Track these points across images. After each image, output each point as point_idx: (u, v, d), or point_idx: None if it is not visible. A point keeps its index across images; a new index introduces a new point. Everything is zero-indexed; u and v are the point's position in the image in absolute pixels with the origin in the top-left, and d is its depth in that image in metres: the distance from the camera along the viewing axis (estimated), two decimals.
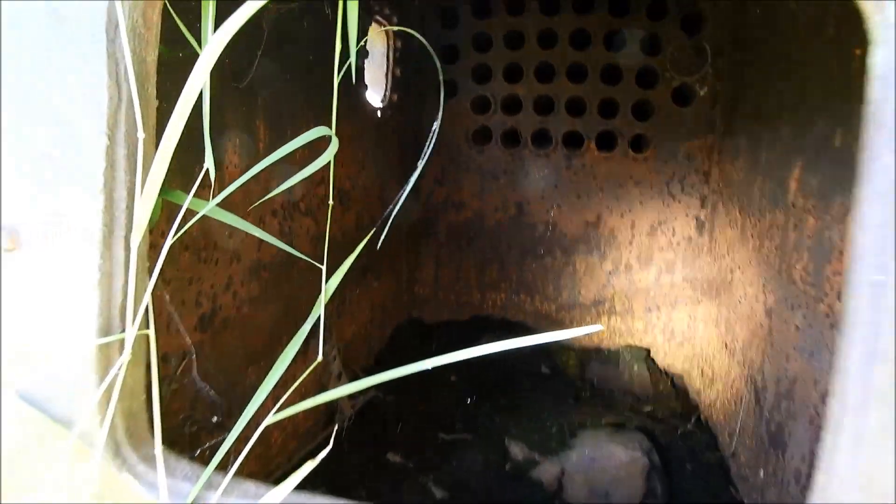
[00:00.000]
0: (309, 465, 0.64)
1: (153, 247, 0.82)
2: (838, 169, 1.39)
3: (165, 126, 0.65)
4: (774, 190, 1.85)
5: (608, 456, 1.88)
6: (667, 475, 1.96)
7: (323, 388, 1.99)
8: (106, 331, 0.67)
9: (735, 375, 2.21)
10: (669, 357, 2.90)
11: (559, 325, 3.07)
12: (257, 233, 0.85)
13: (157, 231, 0.88)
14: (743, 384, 2.11)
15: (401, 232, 2.93)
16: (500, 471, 1.90)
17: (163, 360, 1.23)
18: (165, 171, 0.68)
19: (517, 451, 1.95)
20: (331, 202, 0.89)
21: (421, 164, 0.94)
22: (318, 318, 0.86)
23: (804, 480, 1.50)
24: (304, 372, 0.85)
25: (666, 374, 2.85)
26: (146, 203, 0.68)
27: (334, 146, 0.85)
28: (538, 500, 1.81)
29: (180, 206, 0.76)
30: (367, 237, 0.92)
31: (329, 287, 0.90)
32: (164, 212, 0.89)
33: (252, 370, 1.64)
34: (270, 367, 1.81)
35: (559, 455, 1.90)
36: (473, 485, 1.85)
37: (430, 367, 0.71)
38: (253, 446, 1.71)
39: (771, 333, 1.85)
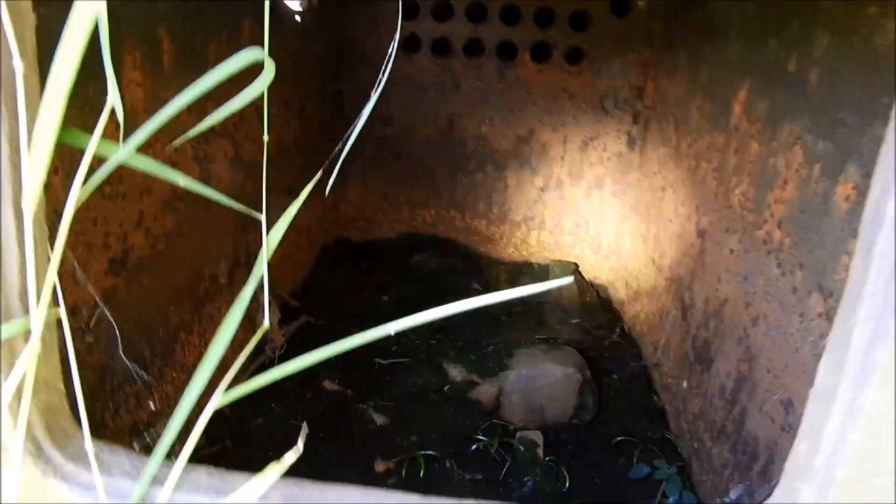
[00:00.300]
0: (272, 473, 0.57)
1: (50, 204, 0.68)
2: (790, 95, 1.37)
3: (50, 51, 0.50)
4: (715, 111, 1.83)
5: (543, 374, 1.92)
6: (596, 386, 2.04)
7: (252, 323, 1.89)
8: (5, 316, 0.54)
9: (661, 290, 2.29)
10: (596, 270, 2.97)
11: (490, 240, 3.05)
12: (182, 181, 0.71)
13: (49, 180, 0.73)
14: (670, 300, 2.19)
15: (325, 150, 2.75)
16: (439, 393, 1.91)
17: (72, 312, 1.09)
18: (61, 112, 0.53)
19: (455, 373, 1.96)
20: (265, 137, 0.76)
21: (375, 96, 0.81)
22: (262, 278, 0.75)
23: (728, 395, 1.59)
24: (246, 341, 0.76)
25: (592, 286, 2.93)
26: (38, 156, 0.53)
27: (270, 72, 0.71)
28: (477, 420, 1.84)
29: (80, 151, 0.61)
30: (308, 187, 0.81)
31: (271, 241, 0.79)
32: (57, 155, 0.73)
33: (173, 310, 1.51)
34: (193, 307, 1.68)
35: (497, 375, 1.92)
36: (413, 409, 1.85)
37: (392, 332, 0.64)
38: (178, 383, 1.60)
39: (702, 254, 1.90)
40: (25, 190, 0.54)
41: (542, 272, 2.96)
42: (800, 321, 1.28)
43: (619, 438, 1.87)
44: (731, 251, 1.67)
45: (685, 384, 1.93)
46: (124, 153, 0.62)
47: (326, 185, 3.01)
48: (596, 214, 2.90)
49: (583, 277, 2.95)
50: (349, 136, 0.80)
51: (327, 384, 1.90)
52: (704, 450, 1.71)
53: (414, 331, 2.25)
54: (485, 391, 1.90)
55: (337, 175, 2.90)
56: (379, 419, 1.79)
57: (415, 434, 1.74)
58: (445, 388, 1.92)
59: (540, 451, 1.73)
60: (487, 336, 2.20)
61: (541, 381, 1.91)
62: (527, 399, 1.88)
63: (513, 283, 2.91)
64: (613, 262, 2.90)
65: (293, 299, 2.39)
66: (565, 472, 1.68)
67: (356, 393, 1.88)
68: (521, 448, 1.72)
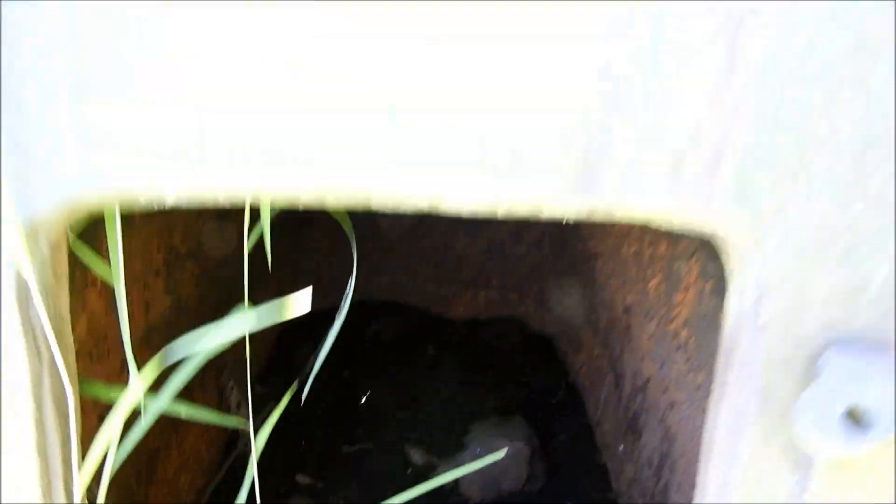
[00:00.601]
0: None
1: None
2: None
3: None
4: None
5: (496, 451, 2.12)
6: (545, 453, 2.25)
7: (223, 421, 2.03)
8: None
9: (598, 353, 2.53)
10: (541, 324, 3.20)
11: (443, 301, 3.25)
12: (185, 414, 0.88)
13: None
14: (605, 363, 2.43)
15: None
16: (403, 478, 2.09)
17: None
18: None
19: (417, 457, 2.14)
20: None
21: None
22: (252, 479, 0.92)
23: (655, 469, 1.82)
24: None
25: (541, 338, 3.16)
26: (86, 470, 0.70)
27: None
28: (439, 499, 2.03)
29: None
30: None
31: (258, 445, 0.97)
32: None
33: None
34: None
35: (454, 456, 2.12)
36: (380, 496, 2.02)
37: None
38: (165, 496, 1.73)
39: (629, 330, 2.14)
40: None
41: (490, 328, 3.17)
42: (703, 417, 1.52)
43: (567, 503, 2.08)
44: (650, 336, 1.91)
45: (622, 448, 2.17)
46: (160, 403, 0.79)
47: (286, 264, 3.12)
48: (539, 272, 3.14)
49: (530, 331, 3.18)
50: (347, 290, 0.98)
51: (300, 478, 2.05)
52: None
53: (376, 411, 2.43)
54: (443, 473, 2.09)
55: (294, 255, 3.05)
56: None
57: None
58: (408, 472, 2.11)
59: None
60: (443, 409, 2.39)
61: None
62: (483, 476, 2.08)
63: (465, 340, 3.11)
64: (557, 316, 3.14)
65: (259, 384, 2.53)
66: None
67: (327, 484, 2.04)
68: None
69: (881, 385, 0.64)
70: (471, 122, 0.60)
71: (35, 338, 0.67)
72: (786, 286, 0.66)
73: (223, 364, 2.20)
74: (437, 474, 2.11)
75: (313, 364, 1.04)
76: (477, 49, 0.58)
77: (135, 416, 0.79)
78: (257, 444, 0.84)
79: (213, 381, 2.17)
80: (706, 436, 0.79)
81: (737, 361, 0.71)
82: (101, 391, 0.86)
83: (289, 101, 0.59)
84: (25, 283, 0.65)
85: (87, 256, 0.73)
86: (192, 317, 1.86)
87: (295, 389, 0.99)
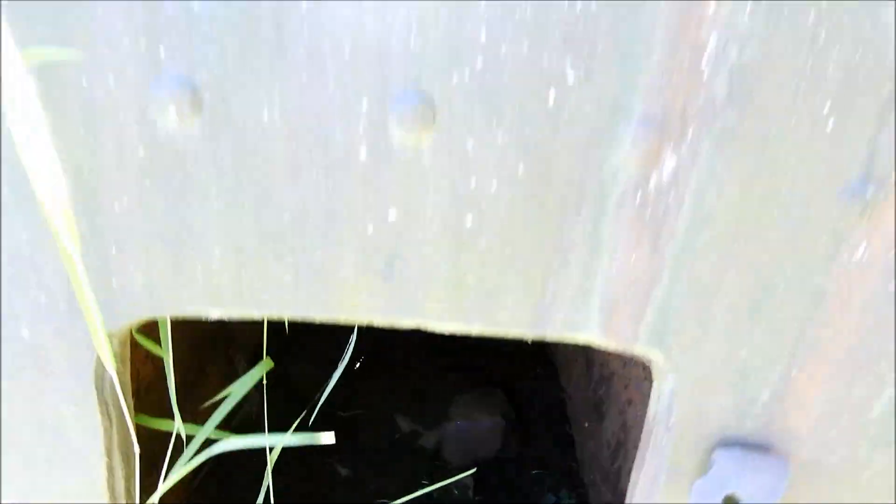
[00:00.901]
0: None
1: None
2: None
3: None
4: None
5: (475, 423, 2.38)
6: (520, 423, 2.51)
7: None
8: None
9: None
10: None
11: None
12: None
13: None
14: (577, 347, 2.65)
15: None
16: (392, 443, 2.35)
17: None
18: None
19: (404, 425, 2.40)
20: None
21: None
22: None
23: (612, 452, 2.07)
24: None
25: None
26: None
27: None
28: (423, 464, 2.30)
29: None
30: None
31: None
32: None
33: None
34: None
35: (438, 426, 2.37)
36: (371, 459, 2.29)
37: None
38: None
39: None
40: None
41: None
42: None
43: (535, 472, 2.36)
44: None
45: (587, 424, 2.42)
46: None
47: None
48: None
49: None
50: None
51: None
52: (596, 484, 2.22)
53: (369, 377, 2.67)
54: (428, 440, 2.35)
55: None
56: (343, 471, 2.22)
57: (373, 482, 2.19)
58: (397, 437, 2.37)
59: (470, 492, 2.21)
60: (429, 385, 2.64)
61: (473, 429, 2.37)
62: (462, 444, 2.34)
63: None
64: None
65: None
66: None
67: (321, 446, 2.30)
68: (456, 491, 2.19)
69: (757, 479, 0.85)
70: (452, 273, 0.77)
71: (107, 405, 0.87)
72: (690, 400, 0.85)
73: (232, 336, 2.41)
74: (422, 441, 2.38)
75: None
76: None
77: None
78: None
79: (223, 350, 2.39)
80: (628, 491, 1.00)
81: (652, 444, 0.91)
82: (152, 422, 1.06)
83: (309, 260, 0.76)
84: (102, 367, 0.84)
85: (146, 343, 0.91)
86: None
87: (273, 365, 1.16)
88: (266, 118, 0.68)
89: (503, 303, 0.79)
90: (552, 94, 0.67)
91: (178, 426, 1.01)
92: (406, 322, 0.81)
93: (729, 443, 0.86)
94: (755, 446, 0.87)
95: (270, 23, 0.65)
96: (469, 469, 2.33)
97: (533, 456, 2.45)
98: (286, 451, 2.13)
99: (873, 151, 0.70)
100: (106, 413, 0.87)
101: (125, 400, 0.85)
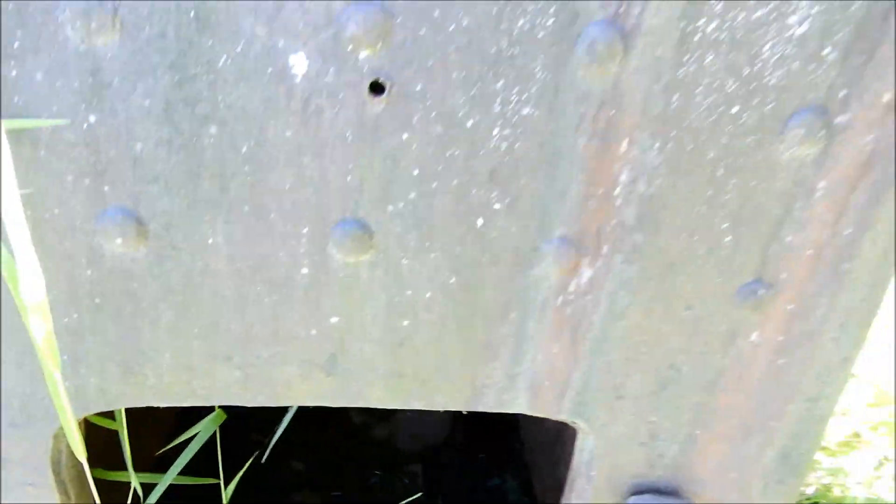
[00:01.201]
0: None
1: None
2: None
3: None
4: None
5: (425, 412, 2.49)
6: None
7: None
8: None
9: None
10: None
11: None
12: None
13: None
14: None
15: None
16: (346, 435, 2.45)
17: None
18: None
19: (357, 419, 2.49)
20: None
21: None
22: None
23: (552, 441, 2.22)
24: None
25: None
26: None
27: None
28: (375, 454, 2.41)
29: None
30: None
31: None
32: None
33: None
34: None
35: (388, 417, 2.48)
36: (325, 451, 2.38)
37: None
38: None
39: None
40: None
41: None
42: None
43: (481, 455, 2.51)
44: None
45: None
46: None
47: None
48: None
49: None
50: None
51: (254, 436, 2.38)
52: (538, 465, 2.38)
53: None
54: (380, 431, 2.46)
55: None
56: (298, 465, 2.31)
57: (327, 476, 2.29)
58: (350, 430, 2.46)
59: (420, 480, 2.34)
60: None
61: (423, 418, 2.49)
62: (413, 432, 2.46)
63: None
64: None
65: None
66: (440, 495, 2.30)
67: (278, 441, 2.38)
68: (406, 480, 2.32)
69: None
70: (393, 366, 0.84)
71: (65, 485, 0.91)
72: (608, 455, 0.95)
73: None
74: (374, 432, 2.48)
75: None
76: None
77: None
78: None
79: None
80: None
81: (576, 489, 1.02)
82: (109, 475, 1.10)
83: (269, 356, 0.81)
84: (57, 451, 0.88)
85: (101, 421, 0.95)
86: None
87: None
88: (211, 243, 0.72)
89: (439, 388, 0.86)
90: (480, 220, 0.73)
91: (134, 483, 1.06)
92: (350, 405, 0.87)
93: (642, 489, 0.98)
94: (665, 492, 0.98)
95: (213, 160, 0.68)
96: (420, 456, 2.46)
97: (482, 440, 2.60)
98: (240, 448, 2.18)
99: (765, 260, 0.79)
100: (64, 492, 0.91)
101: (91, 483, 0.89)
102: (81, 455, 0.80)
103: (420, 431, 2.47)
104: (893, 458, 2.05)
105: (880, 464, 2.06)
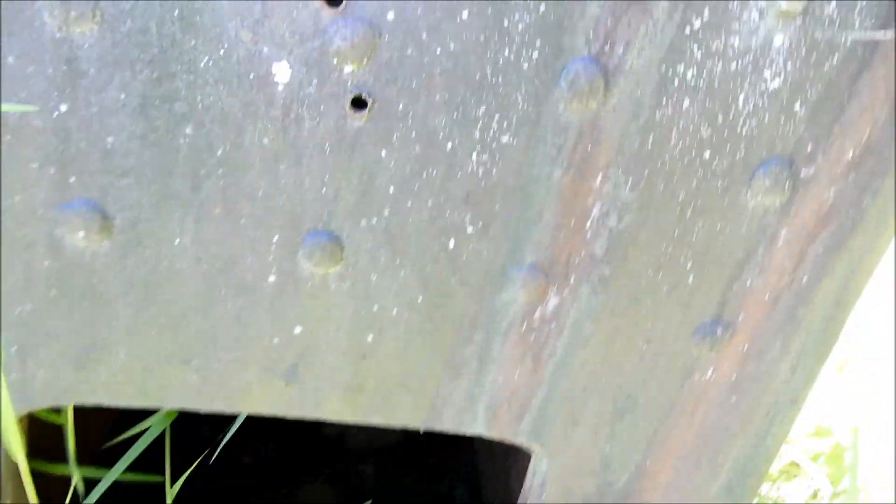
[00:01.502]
0: None
1: None
2: None
3: None
4: None
5: None
6: None
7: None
8: None
9: None
10: None
11: None
12: None
13: None
14: None
15: None
16: (306, 435, 2.42)
17: None
18: None
19: None
20: None
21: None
22: None
23: (504, 450, 2.24)
24: None
25: None
26: None
27: None
28: (328, 452, 2.39)
29: None
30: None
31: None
32: None
33: None
34: None
35: None
36: (275, 447, 2.35)
37: None
38: None
39: None
40: None
41: None
42: None
43: (431, 460, 2.51)
44: None
45: None
46: None
47: None
48: None
49: None
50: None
51: (202, 430, 2.34)
52: (491, 472, 2.39)
53: None
54: (331, 429, 2.44)
55: None
56: (247, 459, 2.28)
57: (277, 471, 2.26)
58: (301, 427, 2.44)
59: (371, 480, 2.33)
60: None
61: None
62: (365, 433, 2.45)
63: None
64: None
65: None
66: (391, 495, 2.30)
67: (239, 436, 2.34)
68: (359, 480, 2.31)
69: None
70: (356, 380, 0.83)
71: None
72: (560, 480, 0.96)
73: None
74: (326, 430, 2.46)
75: None
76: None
77: None
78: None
79: None
80: None
81: None
82: (50, 468, 1.07)
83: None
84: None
85: (47, 415, 0.93)
86: None
87: None
88: (178, 242, 0.71)
89: (399, 403, 0.86)
90: (452, 241, 0.73)
91: (76, 479, 1.03)
92: (307, 417, 0.87)
93: None
94: None
95: (187, 160, 0.67)
96: (371, 457, 2.45)
97: (434, 441, 2.60)
98: (190, 443, 2.14)
99: (724, 301, 0.81)
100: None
101: (27, 483, 0.87)
102: (21, 458, 0.78)
103: (371, 431, 2.45)
104: (829, 489, 2.13)
105: (814, 494, 2.14)
